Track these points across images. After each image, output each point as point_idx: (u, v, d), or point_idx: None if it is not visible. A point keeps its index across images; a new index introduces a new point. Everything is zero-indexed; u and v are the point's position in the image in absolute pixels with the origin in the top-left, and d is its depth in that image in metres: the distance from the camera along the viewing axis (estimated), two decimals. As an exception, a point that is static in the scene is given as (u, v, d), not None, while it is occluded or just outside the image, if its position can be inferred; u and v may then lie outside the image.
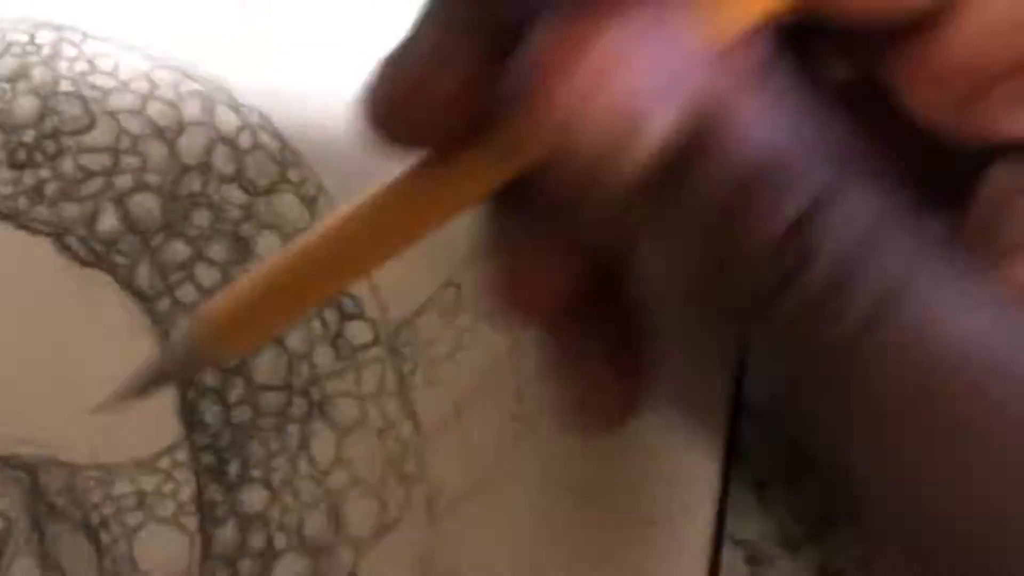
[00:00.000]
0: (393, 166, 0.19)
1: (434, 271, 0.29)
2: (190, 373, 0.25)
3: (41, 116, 0.29)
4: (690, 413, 0.29)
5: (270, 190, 0.29)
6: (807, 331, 0.16)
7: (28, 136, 0.29)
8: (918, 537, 0.18)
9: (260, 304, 0.20)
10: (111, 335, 0.27)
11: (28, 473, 0.26)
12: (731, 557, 0.30)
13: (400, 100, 0.17)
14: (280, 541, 0.26)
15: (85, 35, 0.30)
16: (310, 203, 0.29)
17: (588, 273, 0.21)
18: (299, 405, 0.27)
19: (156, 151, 0.29)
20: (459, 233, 0.29)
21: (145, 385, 0.23)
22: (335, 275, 0.20)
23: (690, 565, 0.27)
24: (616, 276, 0.21)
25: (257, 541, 0.26)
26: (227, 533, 0.26)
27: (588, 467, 0.28)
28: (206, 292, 0.28)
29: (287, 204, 0.29)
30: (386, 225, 0.19)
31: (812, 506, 0.31)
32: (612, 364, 0.22)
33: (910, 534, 0.18)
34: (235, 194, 0.29)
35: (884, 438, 0.17)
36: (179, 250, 0.28)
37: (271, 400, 0.27)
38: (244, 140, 0.29)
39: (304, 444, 0.27)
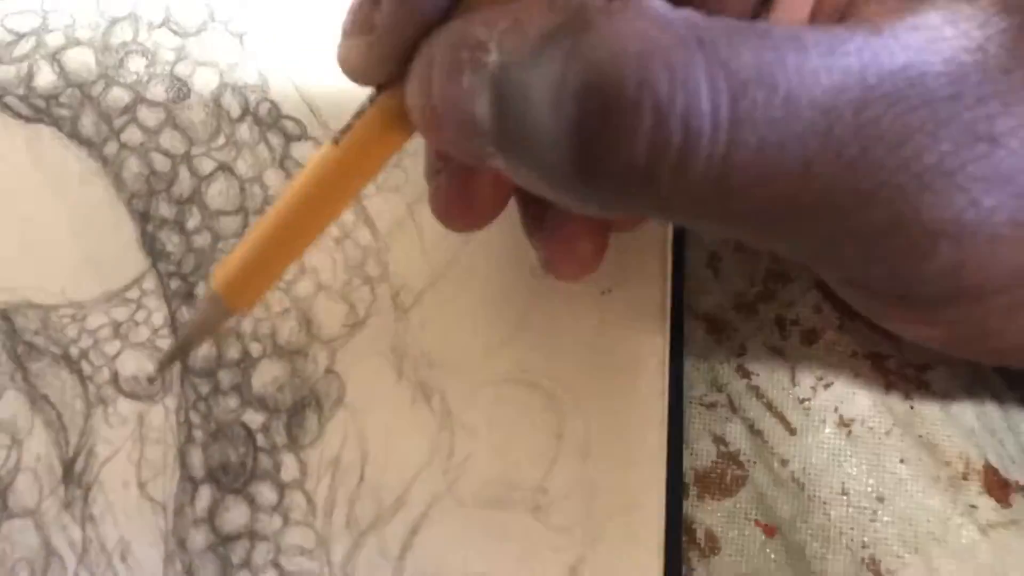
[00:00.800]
0: None
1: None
2: (215, 331, 0.26)
3: None
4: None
5: (200, 29, 0.30)
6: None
7: None
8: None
9: (261, 259, 0.22)
10: (64, 182, 0.28)
11: (3, 318, 0.27)
12: (693, 328, 0.32)
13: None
14: (255, 349, 0.27)
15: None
16: (240, 38, 0.30)
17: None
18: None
19: (82, 6, 0.29)
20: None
21: (181, 349, 0.25)
22: (313, 224, 0.22)
23: (649, 327, 0.28)
24: None
25: (233, 352, 0.27)
26: (203, 349, 0.27)
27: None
28: (150, 132, 0.29)
29: (218, 41, 0.30)
30: (336, 181, 0.22)
31: (762, 269, 0.32)
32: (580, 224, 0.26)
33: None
34: (166, 38, 0.30)
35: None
36: (119, 96, 0.29)
37: (228, 224, 0.28)
38: None
39: (266, 259, 0.28)
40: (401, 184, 0.30)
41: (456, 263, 0.29)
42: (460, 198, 0.24)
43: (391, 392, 0.28)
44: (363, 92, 0.30)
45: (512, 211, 0.28)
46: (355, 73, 0.21)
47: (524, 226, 0.25)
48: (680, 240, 0.30)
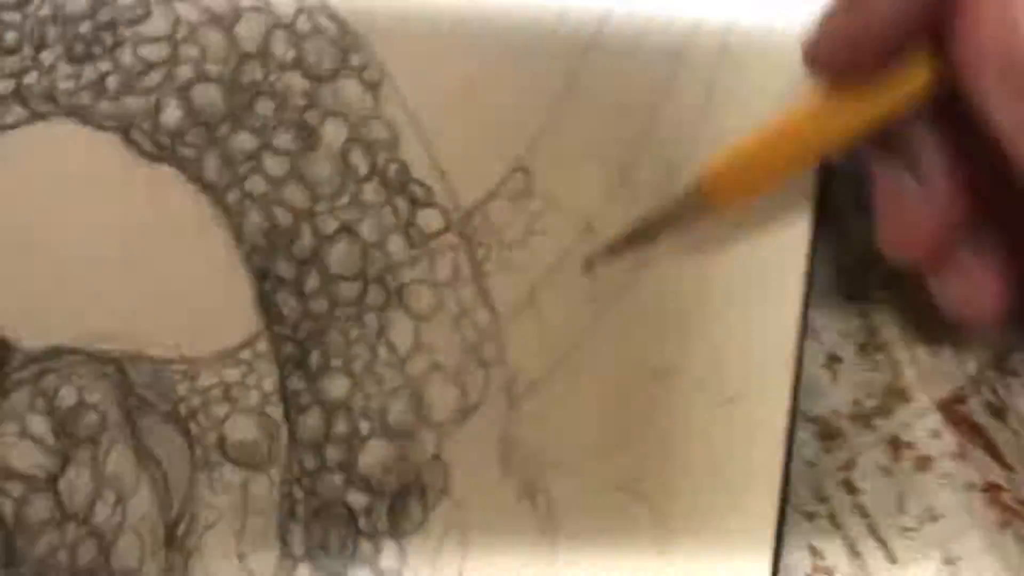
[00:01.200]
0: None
1: (502, 156, 0.29)
2: (690, 220, 0.26)
3: (95, 7, 0.28)
4: (765, 292, 0.29)
5: (333, 76, 0.28)
6: None
7: (85, 28, 0.28)
8: None
9: (754, 163, 0.24)
10: (183, 229, 0.28)
11: (116, 368, 0.27)
12: (803, 433, 0.31)
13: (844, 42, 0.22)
14: (364, 427, 0.27)
15: (133, -80, 0.29)
16: (374, 87, 0.28)
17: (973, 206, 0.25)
18: (375, 294, 0.27)
19: (214, 40, 0.28)
20: (527, 116, 0.28)
21: (646, 232, 0.26)
22: (808, 150, 0.24)
23: (767, 442, 0.27)
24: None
25: (341, 427, 0.27)
26: (312, 420, 0.27)
27: (665, 348, 0.28)
28: (274, 182, 0.28)
29: (350, 90, 0.28)
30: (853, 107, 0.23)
31: (882, 380, 0.31)
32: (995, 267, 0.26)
33: None
34: (297, 81, 0.28)
35: None
36: (245, 140, 0.28)
37: (347, 290, 0.27)
38: (302, 24, 0.29)
39: (382, 332, 0.27)
40: (526, 264, 0.29)
41: (576, 354, 0.28)
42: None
43: (496, 486, 0.28)
44: (496, 153, 0.28)
45: (634, 306, 0.28)
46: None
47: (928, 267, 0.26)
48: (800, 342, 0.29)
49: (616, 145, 0.29)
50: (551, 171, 0.29)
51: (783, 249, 0.29)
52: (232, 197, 0.29)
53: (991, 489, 0.30)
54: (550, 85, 0.29)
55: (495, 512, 0.28)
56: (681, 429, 0.28)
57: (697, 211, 0.26)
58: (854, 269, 0.31)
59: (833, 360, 0.31)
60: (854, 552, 0.30)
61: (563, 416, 0.28)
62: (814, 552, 0.30)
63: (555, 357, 0.29)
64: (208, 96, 0.29)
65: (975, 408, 0.31)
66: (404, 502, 0.28)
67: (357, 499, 0.28)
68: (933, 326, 0.31)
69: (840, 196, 0.32)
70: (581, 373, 0.28)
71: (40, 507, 0.27)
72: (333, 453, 0.28)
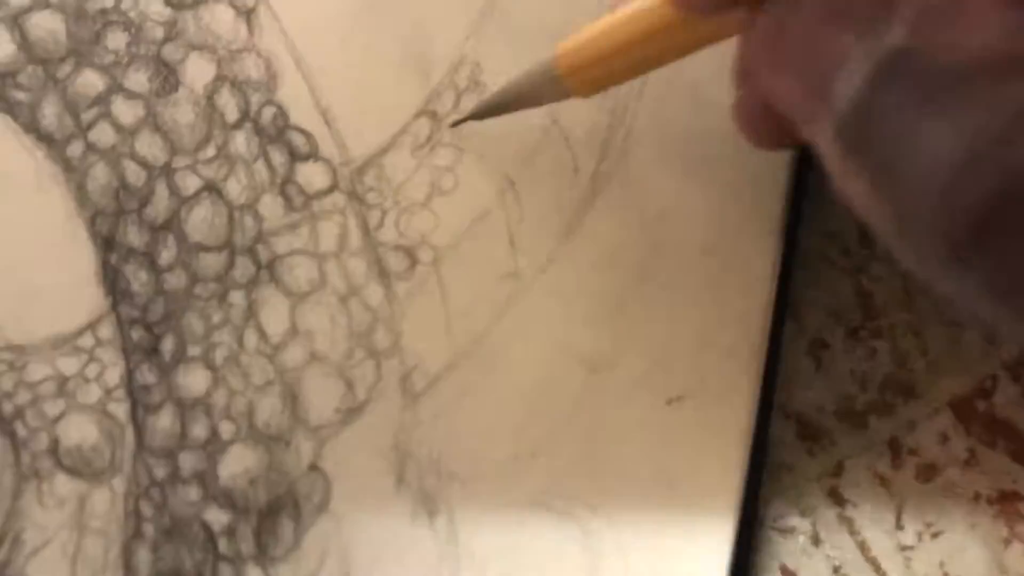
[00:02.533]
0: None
1: (403, 97, 0.23)
2: (550, 100, 0.24)
3: None
4: (727, 263, 0.23)
5: (199, 1, 0.22)
6: None
7: None
8: None
9: (604, 50, 0.22)
10: (12, 188, 0.22)
11: None
12: (780, 432, 0.25)
13: None
14: (227, 430, 0.22)
15: None
16: (247, 14, 0.23)
17: None
18: (244, 267, 0.22)
19: None
20: (437, 47, 0.23)
21: (498, 107, 0.24)
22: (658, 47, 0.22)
23: (725, 449, 0.22)
24: None
25: (199, 430, 0.21)
26: (163, 421, 0.22)
27: (599, 335, 0.22)
28: (125, 131, 0.22)
29: (219, 17, 0.23)
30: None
31: (881, 371, 0.25)
32: None
33: None
34: (155, 8, 0.23)
35: None
36: (91, 81, 0.22)
37: (209, 262, 0.22)
38: None
39: (251, 314, 0.22)
40: (429, 232, 0.23)
41: (486, 340, 0.23)
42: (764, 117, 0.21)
43: (387, 502, 0.22)
44: (391, 103, 0.23)
45: (560, 282, 0.24)
46: None
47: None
48: (779, 313, 0.23)
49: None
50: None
51: (751, 210, 0.23)
52: (74, 150, 0.23)
53: (1002, 500, 0.24)
54: (467, 7, 0.23)
55: (386, 533, 0.22)
56: (617, 433, 0.22)
57: (555, 92, 0.23)
58: (848, 234, 0.25)
59: (818, 346, 0.25)
60: (839, 575, 0.24)
61: (470, 416, 0.23)
62: (787, 575, 0.25)
63: (461, 345, 0.23)
64: (47, 27, 0.24)
65: (1004, 400, 0.25)
66: (274, 520, 0.22)
67: (217, 517, 0.22)
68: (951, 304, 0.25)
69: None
70: (492, 365, 0.23)
71: None
72: (188, 461, 0.22)
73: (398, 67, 0.24)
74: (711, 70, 0.23)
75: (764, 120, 0.21)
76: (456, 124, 0.24)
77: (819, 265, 0.26)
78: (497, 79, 0.24)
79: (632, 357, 0.23)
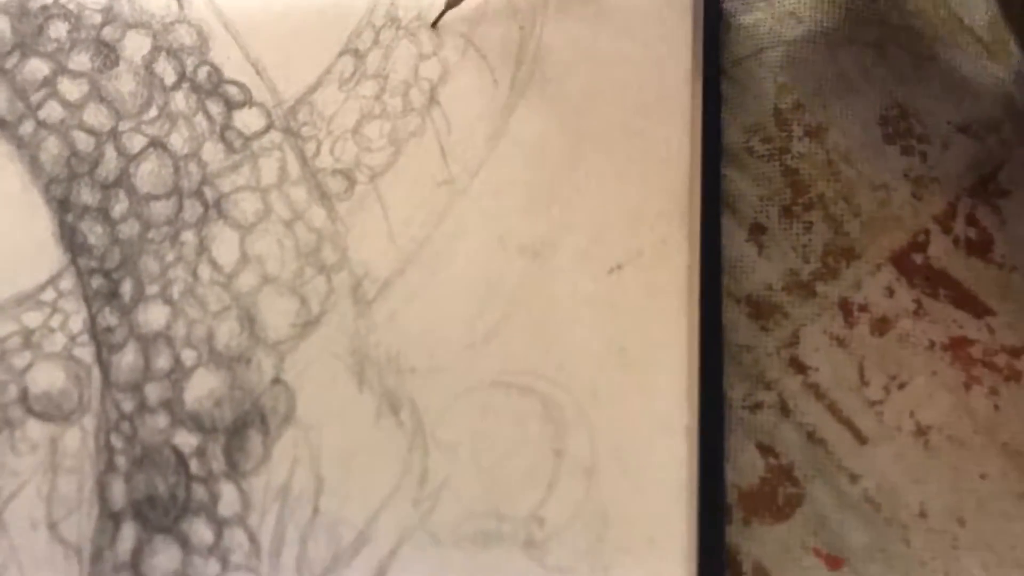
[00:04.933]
0: None
1: (326, 40, 0.25)
2: None
3: None
4: (647, 142, 0.24)
5: None
6: None
7: None
8: None
9: None
10: None
11: None
12: (732, 314, 0.26)
13: None
14: (189, 357, 0.22)
15: None
16: None
17: None
18: (192, 208, 0.23)
19: None
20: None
21: None
22: None
23: (671, 306, 0.22)
24: None
25: (162, 362, 0.22)
26: (128, 358, 0.22)
27: (534, 221, 0.23)
28: (72, 107, 0.24)
29: None
30: None
31: (819, 240, 0.26)
32: None
33: None
34: None
35: None
36: (37, 68, 0.24)
37: (160, 209, 0.23)
38: None
39: (203, 249, 0.23)
40: (363, 154, 0.24)
41: (429, 244, 0.24)
42: None
43: (351, 404, 0.23)
44: (315, 48, 0.25)
45: (492, 178, 0.24)
46: None
47: None
48: (713, 203, 0.24)
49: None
50: (386, 49, 0.25)
51: (663, 95, 0.25)
52: (25, 129, 0.25)
53: (955, 346, 0.25)
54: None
55: (352, 433, 0.23)
56: (563, 307, 0.23)
57: None
58: (765, 123, 0.27)
59: (756, 230, 0.27)
60: (814, 440, 0.25)
61: (422, 314, 0.24)
62: (765, 450, 0.25)
63: (406, 251, 0.24)
64: None
65: (938, 252, 0.25)
66: (241, 437, 0.23)
67: (186, 440, 0.23)
68: (876, 167, 0.27)
69: (739, 48, 0.28)
70: (438, 266, 0.24)
71: None
72: (154, 391, 0.23)
73: (317, 16, 0.26)
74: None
75: None
76: (436, 22, 0.26)
77: (744, 158, 0.28)
78: (409, 12, 0.26)
79: (569, 238, 0.24)
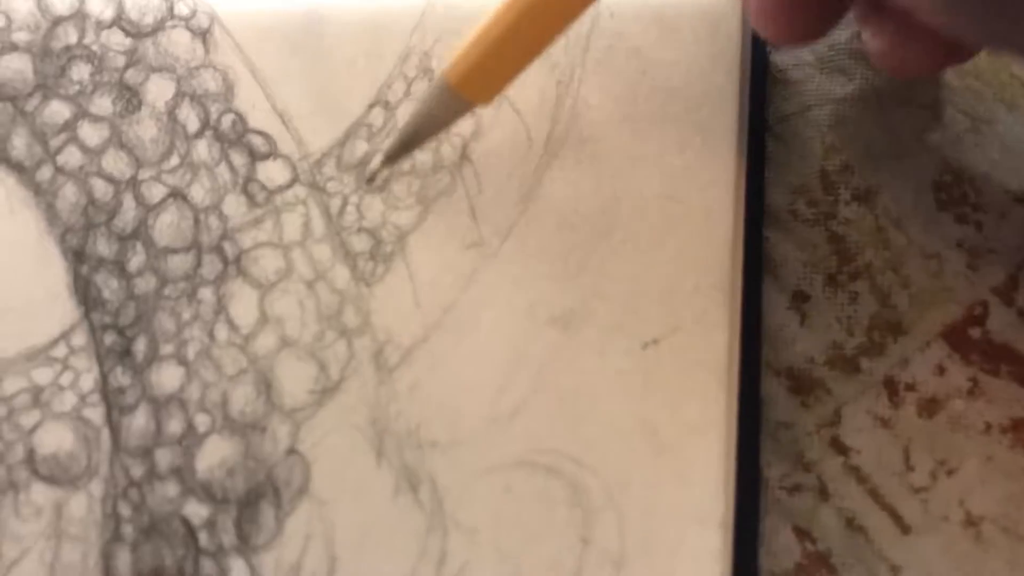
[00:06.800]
0: None
1: (355, 91, 0.23)
2: (454, 118, 0.24)
3: None
4: (689, 210, 0.23)
5: (156, 28, 0.24)
6: None
7: None
8: None
9: (494, 54, 0.22)
10: None
11: None
12: (772, 390, 0.24)
13: None
14: (202, 422, 0.21)
15: None
16: (203, 35, 0.24)
17: None
18: (211, 264, 0.22)
19: (22, 5, 0.24)
20: (383, 44, 0.23)
21: (407, 143, 0.24)
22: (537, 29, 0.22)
23: (708, 385, 0.21)
24: None
25: (175, 426, 0.21)
26: (139, 421, 0.21)
27: (565, 290, 0.22)
28: (92, 152, 0.23)
29: (177, 40, 0.24)
30: None
31: (866, 312, 0.25)
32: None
33: None
34: (116, 39, 0.24)
35: None
36: (57, 111, 0.23)
37: (178, 263, 0.22)
38: None
39: (221, 308, 0.22)
40: (390, 212, 0.23)
41: (454, 310, 0.22)
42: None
43: (368, 479, 0.21)
44: (344, 99, 0.24)
45: (523, 246, 0.24)
46: None
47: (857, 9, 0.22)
48: (753, 266, 0.23)
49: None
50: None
51: (704, 159, 0.23)
52: (43, 174, 0.24)
53: (1015, 428, 0.23)
54: (411, 5, 0.24)
55: (369, 510, 0.21)
56: (595, 385, 0.22)
57: (456, 108, 0.23)
58: (811, 185, 0.25)
59: (799, 298, 0.25)
60: (854, 527, 0.23)
61: (445, 384, 0.22)
62: (802, 535, 0.23)
63: (431, 316, 0.23)
64: (15, 67, 0.25)
65: (999, 326, 0.24)
66: (254, 509, 0.22)
67: (196, 511, 0.22)
68: (928, 235, 0.25)
69: (786, 104, 0.26)
70: (463, 333, 0.23)
71: None
72: (165, 457, 0.22)
73: (348, 66, 0.25)
74: (653, 36, 0.23)
75: (785, 11, 0.21)
76: (371, 179, 0.25)
77: (788, 221, 0.26)
78: (443, 63, 0.24)
79: (602, 309, 0.23)
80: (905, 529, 0.24)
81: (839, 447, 0.25)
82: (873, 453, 0.24)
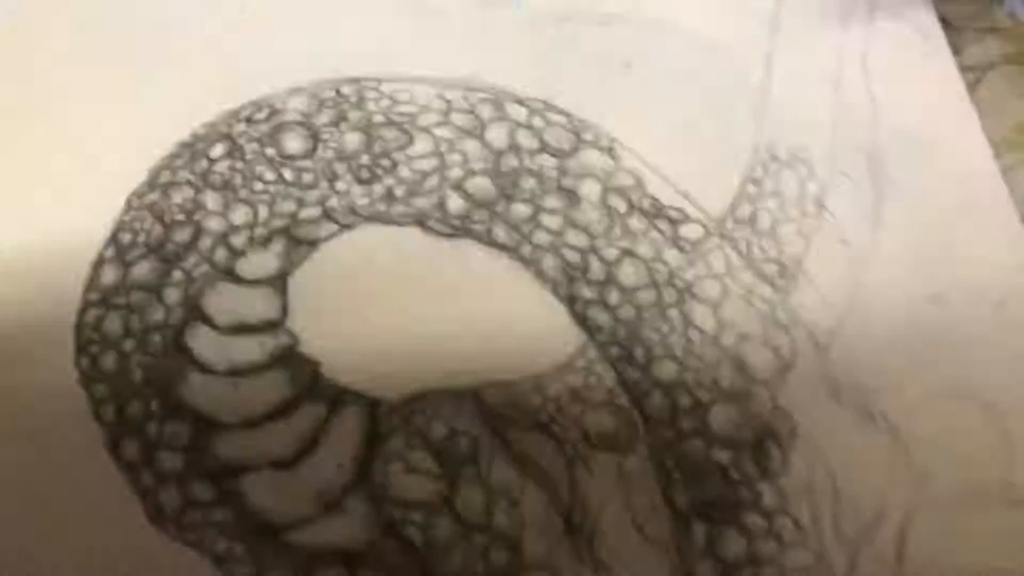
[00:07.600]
0: None
1: (732, 172, 0.35)
2: None
3: (368, 143, 0.35)
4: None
5: (573, 151, 0.35)
6: None
7: (364, 159, 0.35)
8: None
9: None
10: (491, 281, 0.32)
11: (472, 396, 0.30)
12: None
13: None
14: (705, 396, 0.30)
15: (379, 80, 0.36)
16: (609, 151, 0.35)
17: None
18: (669, 294, 0.32)
19: (471, 146, 0.35)
20: (738, 136, 0.35)
21: None
22: None
23: None
24: None
25: (685, 401, 0.30)
26: (657, 401, 0.30)
27: (938, 270, 0.32)
28: (555, 233, 0.33)
29: (591, 157, 0.35)
30: None
31: None
32: None
33: None
34: (547, 160, 0.35)
35: None
36: (521, 209, 0.34)
37: (645, 296, 0.32)
38: (537, 122, 0.36)
39: (687, 321, 0.32)
40: (784, 246, 0.33)
41: (856, 299, 0.32)
42: None
43: (837, 419, 0.30)
44: (725, 170, 0.34)
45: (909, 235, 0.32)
46: None
47: None
48: None
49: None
50: (774, 177, 0.35)
51: None
52: (525, 251, 0.34)
53: None
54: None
55: (846, 438, 0.30)
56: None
57: None
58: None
59: None
60: None
61: (869, 350, 0.32)
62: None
63: (842, 307, 0.33)
64: (480, 185, 0.35)
65: None
66: (764, 450, 0.30)
67: (722, 455, 0.30)
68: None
69: None
70: (869, 311, 0.33)
71: (444, 527, 0.29)
72: (686, 423, 0.31)
73: (719, 157, 0.36)
74: None
75: None
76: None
77: None
78: (786, 153, 0.36)
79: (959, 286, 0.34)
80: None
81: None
82: None
